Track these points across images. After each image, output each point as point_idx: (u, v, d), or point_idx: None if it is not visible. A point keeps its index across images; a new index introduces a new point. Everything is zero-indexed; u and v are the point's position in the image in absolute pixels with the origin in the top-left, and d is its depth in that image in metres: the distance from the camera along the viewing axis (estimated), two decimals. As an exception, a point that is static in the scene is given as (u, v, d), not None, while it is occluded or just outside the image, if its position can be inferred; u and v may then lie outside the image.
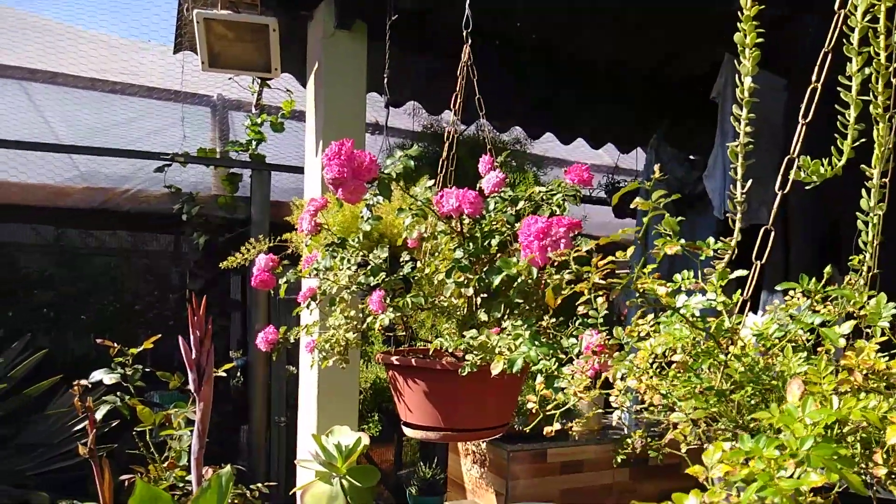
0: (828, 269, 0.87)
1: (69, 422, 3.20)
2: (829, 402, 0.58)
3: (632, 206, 0.83)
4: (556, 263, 0.95)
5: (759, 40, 0.96)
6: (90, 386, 1.73)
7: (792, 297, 0.91)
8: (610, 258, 0.79)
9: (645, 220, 0.77)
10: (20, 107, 3.93)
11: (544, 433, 0.96)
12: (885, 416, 0.60)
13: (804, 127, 0.88)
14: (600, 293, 0.80)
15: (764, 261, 0.82)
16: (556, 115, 3.89)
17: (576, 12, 3.00)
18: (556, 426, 0.91)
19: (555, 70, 3.42)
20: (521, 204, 1.42)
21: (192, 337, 1.22)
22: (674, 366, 0.73)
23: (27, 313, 3.82)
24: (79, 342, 3.94)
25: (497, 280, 1.16)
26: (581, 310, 0.83)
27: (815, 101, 0.89)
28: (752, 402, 0.70)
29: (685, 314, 0.72)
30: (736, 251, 0.92)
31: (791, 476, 0.53)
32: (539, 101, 3.76)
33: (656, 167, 0.85)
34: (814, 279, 0.84)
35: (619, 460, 1.02)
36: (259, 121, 3.95)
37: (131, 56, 4.44)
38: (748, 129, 0.98)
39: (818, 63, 0.89)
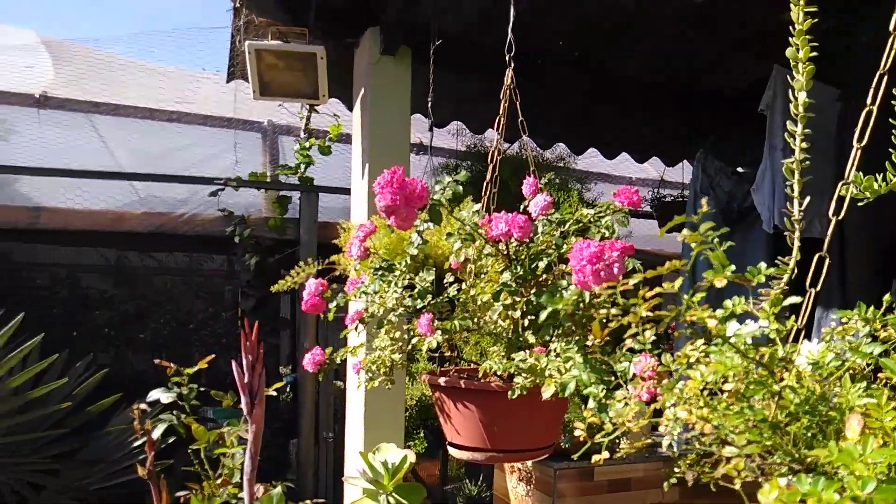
0: (887, 296, 0.83)
1: (128, 438, 3.33)
2: (892, 439, 0.56)
3: (679, 238, 0.81)
4: (601, 294, 0.94)
5: (813, 54, 0.93)
6: (148, 410, 1.80)
7: (848, 322, 0.87)
8: (658, 289, 0.78)
9: (693, 252, 0.76)
10: (88, 137, 4.16)
11: (592, 462, 0.96)
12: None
13: (859, 151, 0.85)
14: (647, 326, 0.80)
15: (819, 288, 0.79)
16: (600, 130, 3.87)
17: (616, 28, 2.99)
18: (605, 454, 0.90)
19: (598, 85, 3.41)
20: (567, 226, 1.42)
21: (244, 361, 1.26)
22: (725, 395, 0.72)
23: (90, 333, 3.99)
24: (138, 360, 4.09)
25: (544, 315, 1.17)
26: (629, 343, 0.82)
27: (871, 122, 0.86)
28: (809, 434, 0.68)
29: (736, 343, 0.71)
30: (796, 271, 0.88)
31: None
32: (582, 117, 3.75)
33: (703, 200, 0.84)
34: (872, 307, 0.81)
35: (670, 483, 0.99)
36: (307, 145, 4.07)
37: (187, 86, 4.64)
38: (804, 145, 0.94)
39: (873, 85, 0.86)
